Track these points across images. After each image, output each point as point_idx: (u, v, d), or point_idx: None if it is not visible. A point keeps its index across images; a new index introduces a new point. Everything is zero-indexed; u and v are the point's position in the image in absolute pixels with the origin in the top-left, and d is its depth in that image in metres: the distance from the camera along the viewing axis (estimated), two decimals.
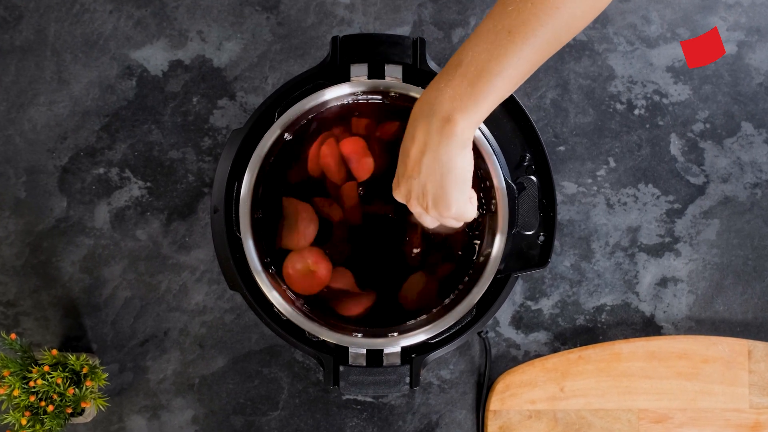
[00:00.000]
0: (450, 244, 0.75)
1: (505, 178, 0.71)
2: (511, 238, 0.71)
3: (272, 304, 0.71)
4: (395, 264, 0.75)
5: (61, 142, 0.93)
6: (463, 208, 0.64)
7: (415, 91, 0.71)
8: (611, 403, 0.90)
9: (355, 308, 0.74)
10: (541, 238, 0.72)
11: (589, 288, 0.94)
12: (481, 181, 0.73)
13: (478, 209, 0.73)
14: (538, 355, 0.93)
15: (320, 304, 0.75)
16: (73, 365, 0.82)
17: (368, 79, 0.72)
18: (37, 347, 0.91)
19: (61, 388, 0.80)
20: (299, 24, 0.94)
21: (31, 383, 0.80)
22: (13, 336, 0.81)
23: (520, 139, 0.73)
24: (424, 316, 0.74)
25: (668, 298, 0.94)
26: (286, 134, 0.73)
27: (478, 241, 0.74)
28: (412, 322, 0.74)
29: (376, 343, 0.71)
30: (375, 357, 0.72)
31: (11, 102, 0.93)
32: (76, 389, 0.82)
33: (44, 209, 0.92)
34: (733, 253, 0.95)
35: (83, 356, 0.83)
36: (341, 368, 0.71)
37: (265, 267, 0.72)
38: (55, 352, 0.82)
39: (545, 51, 0.59)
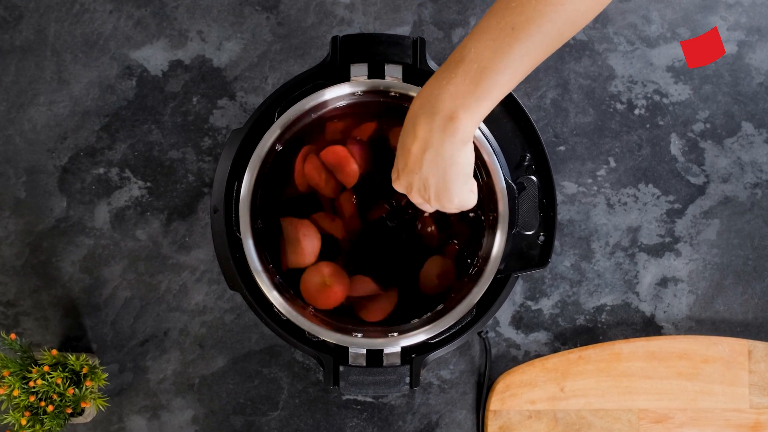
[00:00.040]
0: (453, 220, 0.76)
1: (505, 178, 0.71)
2: (511, 238, 0.71)
3: (272, 304, 0.71)
4: (408, 254, 0.75)
5: (61, 142, 0.93)
6: (465, 198, 0.64)
7: (415, 91, 0.71)
8: (611, 403, 0.90)
9: (379, 313, 0.75)
10: (541, 238, 0.72)
11: (589, 288, 0.94)
12: (482, 181, 0.73)
13: (477, 210, 0.74)
14: (538, 355, 0.93)
15: (346, 315, 0.75)
16: (72, 365, 0.82)
17: (368, 79, 0.72)
18: (37, 347, 0.91)
19: (61, 388, 0.80)
20: (299, 24, 0.94)
21: (31, 383, 0.80)
22: (13, 336, 0.81)
23: (520, 139, 0.73)
24: (425, 316, 0.74)
25: (668, 298, 0.94)
26: (277, 145, 0.73)
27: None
28: (413, 321, 0.74)
29: (376, 343, 0.71)
30: (375, 357, 0.72)
31: (11, 102, 0.93)
32: (76, 389, 0.82)
33: (44, 209, 0.92)
34: (734, 253, 0.95)
35: (83, 356, 0.83)
36: (341, 368, 0.71)
37: (265, 267, 0.72)
38: (54, 352, 0.82)
39: (549, 47, 0.59)
